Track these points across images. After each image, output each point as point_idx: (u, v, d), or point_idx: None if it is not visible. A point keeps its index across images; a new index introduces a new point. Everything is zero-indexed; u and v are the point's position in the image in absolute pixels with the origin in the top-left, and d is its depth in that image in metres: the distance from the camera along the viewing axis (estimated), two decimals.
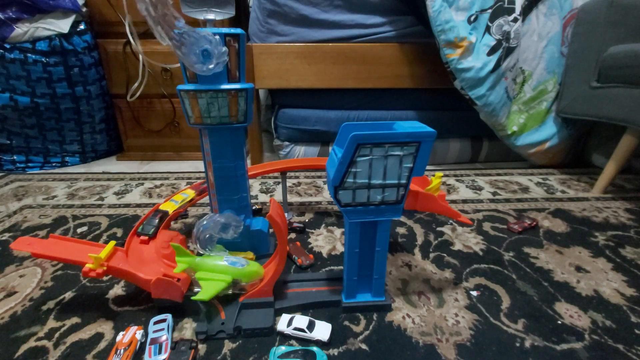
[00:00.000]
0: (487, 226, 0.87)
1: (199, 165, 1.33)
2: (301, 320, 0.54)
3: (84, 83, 1.25)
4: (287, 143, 1.31)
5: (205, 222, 0.62)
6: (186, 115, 0.61)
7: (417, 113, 1.27)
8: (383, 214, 0.53)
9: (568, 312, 0.59)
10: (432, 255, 0.75)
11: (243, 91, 0.59)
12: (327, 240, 0.81)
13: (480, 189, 1.11)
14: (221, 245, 0.63)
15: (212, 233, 0.62)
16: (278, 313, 0.57)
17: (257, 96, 1.34)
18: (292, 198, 1.05)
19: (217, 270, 0.57)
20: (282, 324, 0.54)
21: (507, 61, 1.10)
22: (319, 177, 1.22)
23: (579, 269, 0.71)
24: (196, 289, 0.59)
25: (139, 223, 0.71)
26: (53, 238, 0.59)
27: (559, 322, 0.57)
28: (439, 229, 0.86)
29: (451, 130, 1.31)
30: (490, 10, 1.07)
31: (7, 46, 1.12)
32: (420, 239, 0.81)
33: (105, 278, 0.65)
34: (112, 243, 0.59)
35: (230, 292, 0.58)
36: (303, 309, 0.59)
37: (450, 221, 0.89)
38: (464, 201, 1.02)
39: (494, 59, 1.08)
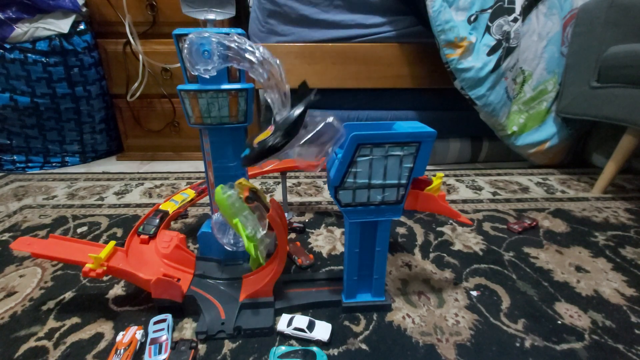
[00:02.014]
0: (487, 226, 0.87)
1: (199, 165, 1.33)
2: (301, 320, 0.54)
3: (84, 83, 1.25)
4: None
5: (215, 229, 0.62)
6: (186, 116, 0.61)
7: (417, 113, 1.27)
8: (383, 214, 0.53)
9: (568, 312, 0.59)
10: (432, 255, 0.75)
11: (243, 91, 0.59)
12: (327, 240, 0.81)
13: (480, 189, 1.11)
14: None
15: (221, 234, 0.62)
16: (278, 313, 0.57)
17: (257, 96, 1.34)
18: (292, 198, 1.05)
19: (241, 232, 0.54)
20: (282, 324, 0.54)
21: (507, 61, 1.10)
22: (319, 177, 1.22)
23: (579, 269, 0.71)
24: None
25: (139, 223, 0.71)
26: (53, 238, 0.59)
27: (559, 322, 0.57)
28: (439, 229, 0.86)
29: (451, 130, 1.30)
30: (490, 10, 1.07)
31: (7, 46, 1.12)
32: (420, 239, 0.81)
33: (105, 278, 0.65)
34: (112, 243, 0.59)
35: (254, 213, 0.55)
36: (303, 309, 0.59)
37: (450, 221, 0.89)
38: (464, 201, 1.02)
39: (494, 59, 1.08)
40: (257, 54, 0.48)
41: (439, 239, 0.81)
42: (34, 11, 1.12)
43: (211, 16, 0.58)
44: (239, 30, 0.56)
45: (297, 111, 0.48)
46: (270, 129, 0.51)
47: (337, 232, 0.85)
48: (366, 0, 1.12)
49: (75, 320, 0.57)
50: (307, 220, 0.90)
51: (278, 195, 1.07)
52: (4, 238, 0.82)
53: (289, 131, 0.48)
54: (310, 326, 0.54)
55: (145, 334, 0.53)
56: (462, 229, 0.86)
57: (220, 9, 0.58)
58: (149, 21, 1.21)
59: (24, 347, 0.52)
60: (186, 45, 0.49)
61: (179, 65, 0.64)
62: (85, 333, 0.55)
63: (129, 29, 1.17)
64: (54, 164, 1.32)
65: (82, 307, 0.60)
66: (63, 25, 1.15)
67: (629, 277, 0.68)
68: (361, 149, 0.47)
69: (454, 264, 0.72)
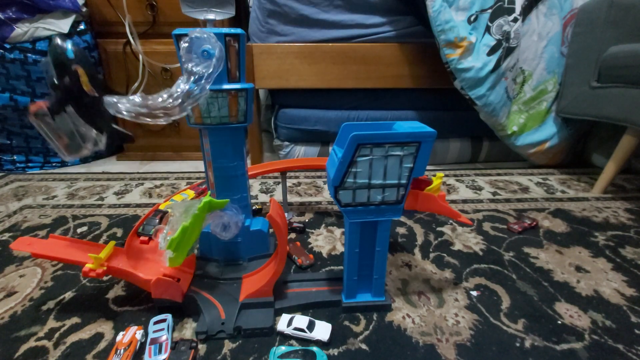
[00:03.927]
0: (487, 226, 0.87)
1: (199, 165, 1.33)
2: (301, 320, 0.54)
3: None
4: (287, 143, 1.31)
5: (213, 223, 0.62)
6: (186, 115, 0.60)
7: (417, 113, 1.27)
8: (383, 214, 0.53)
9: (568, 312, 0.59)
10: (432, 255, 0.75)
11: (243, 91, 0.59)
12: (327, 240, 0.81)
13: (480, 189, 1.11)
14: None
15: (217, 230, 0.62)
16: (278, 313, 0.57)
17: (257, 96, 1.34)
18: (292, 198, 1.05)
19: (180, 235, 0.52)
20: (282, 324, 0.54)
21: (507, 61, 1.10)
22: (319, 177, 1.22)
23: (579, 269, 0.71)
24: None
25: (139, 223, 0.70)
26: (53, 238, 0.59)
27: (559, 322, 0.57)
28: (439, 229, 0.86)
29: (451, 130, 1.30)
30: (490, 10, 1.07)
31: (7, 46, 1.12)
32: (420, 239, 0.81)
33: (105, 278, 0.65)
34: (112, 243, 0.59)
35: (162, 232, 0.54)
36: (303, 309, 0.59)
37: (450, 221, 0.89)
38: (464, 201, 1.02)
39: (494, 59, 1.08)
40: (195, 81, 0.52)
41: (439, 239, 0.81)
42: (34, 11, 1.12)
43: (211, 16, 0.58)
44: (239, 30, 0.56)
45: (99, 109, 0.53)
46: (81, 72, 0.52)
47: (337, 232, 0.85)
48: (366, 0, 1.12)
49: (75, 320, 0.57)
50: (307, 220, 0.90)
51: (278, 195, 1.07)
52: (4, 238, 0.82)
53: (70, 91, 0.50)
54: (310, 326, 0.54)
55: (145, 334, 0.53)
56: (462, 229, 0.86)
57: (220, 9, 0.58)
58: (149, 21, 1.21)
59: (24, 347, 0.52)
60: (186, 42, 0.50)
61: (178, 65, 0.64)
62: (85, 333, 0.55)
63: (129, 29, 1.17)
64: (54, 164, 1.32)
65: (82, 307, 0.60)
66: (63, 25, 1.15)
67: (629, 277, 0.68)
68: (361, 149, 0.47)
69: (454, 264, 0.72)
